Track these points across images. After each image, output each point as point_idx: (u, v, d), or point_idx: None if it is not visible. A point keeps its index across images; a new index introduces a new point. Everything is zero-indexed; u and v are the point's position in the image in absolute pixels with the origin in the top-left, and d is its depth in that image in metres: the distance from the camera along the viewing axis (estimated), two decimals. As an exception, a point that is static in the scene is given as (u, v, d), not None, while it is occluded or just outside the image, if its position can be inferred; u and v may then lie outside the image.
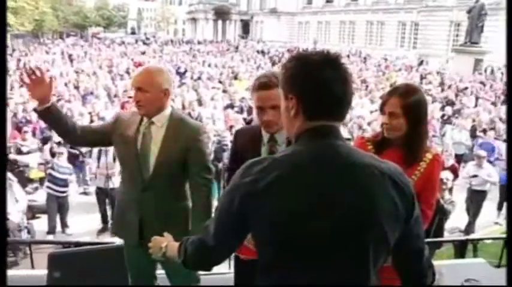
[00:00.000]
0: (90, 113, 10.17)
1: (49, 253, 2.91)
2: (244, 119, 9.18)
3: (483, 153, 7.87)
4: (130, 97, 11.01)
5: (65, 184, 7.28)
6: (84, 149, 8.63)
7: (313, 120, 1.29)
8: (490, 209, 8.06)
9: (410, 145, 2.12)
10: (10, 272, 3.60)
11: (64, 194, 7.29)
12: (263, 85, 2.14)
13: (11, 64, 19.65)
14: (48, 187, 7.26)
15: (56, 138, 8.89)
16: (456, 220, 7.27)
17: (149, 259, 2.28)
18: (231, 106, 10.75)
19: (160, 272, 2.76)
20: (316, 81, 1.27)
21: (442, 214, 5.02)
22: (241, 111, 10.64)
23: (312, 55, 1.32)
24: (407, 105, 2.07)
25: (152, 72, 2.36)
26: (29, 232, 6.59)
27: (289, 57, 1.40)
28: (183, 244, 1.54)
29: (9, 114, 9.37)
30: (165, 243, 1.69)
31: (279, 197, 1.23)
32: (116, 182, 7.19)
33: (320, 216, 1.22)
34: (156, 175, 2.38)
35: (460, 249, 4.91)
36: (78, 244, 4.20)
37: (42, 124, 9.20)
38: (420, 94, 2.16)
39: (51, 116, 2.33)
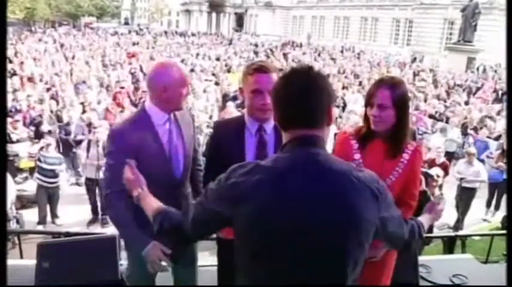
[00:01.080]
0: (82, 103, 10.09)
1: (38, 242, 2.89)
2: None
3: (473, 150, 7.94)
4: (122, 87, 10.96)
5: (53, 174, 7.20)
6: (74, 140, 8.60)
7: (291, 129, 1.39)
8: (478, 206, 8.14)
9: (397, 136, 2.13)
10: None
11: (53, 185, 7.23)
12: (262, 68, 2.09)
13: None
14: (38, 178, 7.21)
15: (45, 127, 8.87)
16: (445, 216, 7.34)
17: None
18: (228, 98, 10.69)
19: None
20: (286, 94, 1.36)
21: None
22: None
23: (288, 71, 1.44)
24: (397, 97, 2.07)
25: None
26: (17, 222, 6.55)
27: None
28: (160, 217, 1.56)
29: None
30: (136, 193, 1.74)
31: (259, 200, 1.28)
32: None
33: (298, 221, 1.26)
34: (185, 171, 2.35)
35: (449, 245, 4.97)
36: (68, 235, 4.17)
37: (33, 113, 9.12)
38: (405, 87, 2.18)
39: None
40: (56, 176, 7.25)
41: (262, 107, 2.10)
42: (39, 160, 7.25)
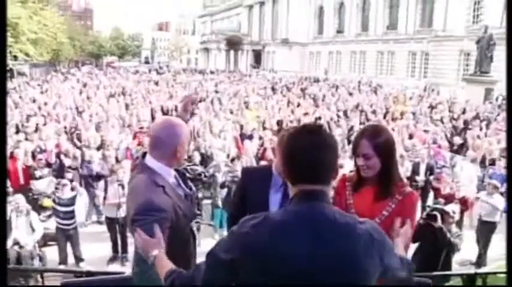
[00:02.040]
0: (101, 138, 10.34)
1: (62, 282, 3.01)
2: (256, 155, 9.25)
3: (497, 183, 7.83)
4: (141, 128, 11.24)
5: (68, 216, 7.16)
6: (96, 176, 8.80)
7: (299, 184, 1.47)
8: (502, 241, 7.97)
9: (383, 181, 2.21)
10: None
11: (70, 227, 7.18)
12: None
13: (30, 92, 20.20)
14: (56, 220, 7.24)
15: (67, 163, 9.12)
16: (467, 252, 7.22)
17: None
18: (245, 136, 10.84)
19: None
20: (296, 152, 1.46)
21: (449, 247, 5.01)
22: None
23: (298, 128, 1.55)
24: (379, 146, 2.16)
25: None
26: (40, 260, 6.68)
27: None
28: (171, 276, 1.60)
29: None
30: (156, 252, 1.75)
31: (266, 252, 1.36)
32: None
33: (305, 272, 1.34)
34: None
35: (469, 283, 4.88)
36: (89, 273, 4.28)
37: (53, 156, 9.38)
38: (387, 133, 2.26)
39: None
40: (71, 217, 7.19)
41: None
42: (54, 201, 7.24)
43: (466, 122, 14.35)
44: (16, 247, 6.39)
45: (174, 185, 2.21)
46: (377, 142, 2.16)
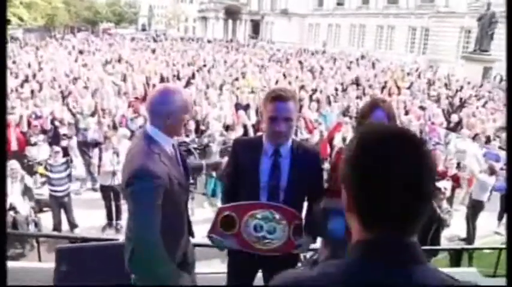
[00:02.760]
0: (95, 105, 10.28)
1: (56, 247, 3.05)
2: (253, 125, 9.23)
3: (493, 164, 7.91)
4: (136, 98, 11.18)
5: (61, 183, 7.16)
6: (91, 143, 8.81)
7: (370, 228, 0.96)
8: (491, 218, 8.12)
9: None
10: (17, 264, 3.75)
11: (63, 193, 7.20)
12: (279, 97, 2.25)
13: (24, 57, 19.92)
14: (49, 188, 7.26)
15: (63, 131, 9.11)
16: (457, 228, 7.35)
17: None
18: (240, 106, 10.81)
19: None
20: (382, 174, 0.91)
21: (439, 222, 5.10)
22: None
23: (378, 132, 0.99)
24: (390, 116, 2.30)
25: None
26: (36, 225, 6.75)
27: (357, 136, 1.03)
28: None
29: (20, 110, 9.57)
30: None
31: None
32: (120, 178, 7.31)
33: None
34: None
35: (456, 258, 4.99)
36: (84, 239, 4.34)
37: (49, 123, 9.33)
38: (393, 107, 2.42)
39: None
40: (63, 184, 7.21)
41: (278, 134, 2.27)
42: (46, 168, 7.24)
43: (462, 100, 14.36)
44: (12, 212, 6.43)
45: (171, 154, 2.21)
46: (391, 113, 2.25)
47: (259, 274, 2.56)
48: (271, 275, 2.44)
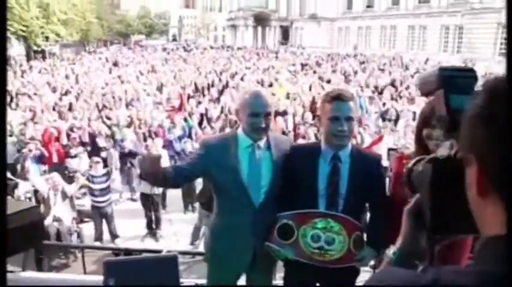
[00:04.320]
0: (129, 116, 10.40)
1: (104, 260, 3.01)
2: (283, 132, 9.09)
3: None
4: (173, 107, 11.25)
5: (102, 193, 7.21)
6: (129, 154, 8.88)
7: None
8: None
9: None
10: (64, 276, 3.75)
11: (104, 204, 7.23)
12: (339, 96, 2.19)
13: (61, 72, 20.52)
14: (91, 199, 7.31)
15: (101, 143, 9.23)
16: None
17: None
18: (277, 112, 10.70)
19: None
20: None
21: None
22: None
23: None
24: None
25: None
26: (78, 236, 6.82)
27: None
28: None
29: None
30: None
31: None
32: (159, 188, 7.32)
33: None
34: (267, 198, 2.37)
35: None
36: (127, 251, 4.31)
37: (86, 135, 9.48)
38: None
39: (158, 179, 2.29)
40: (105, 194, 7.25)
41: (339, 133, 2.18)
42: (88, 179, 7.28)
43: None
44: (56, 224, 6.53)
45: (246, 155, 2.38)
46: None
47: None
48: (328, 287, 2.32)
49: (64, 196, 6.78)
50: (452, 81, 0.96)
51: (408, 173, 1.07)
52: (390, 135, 8.81)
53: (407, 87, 15.31)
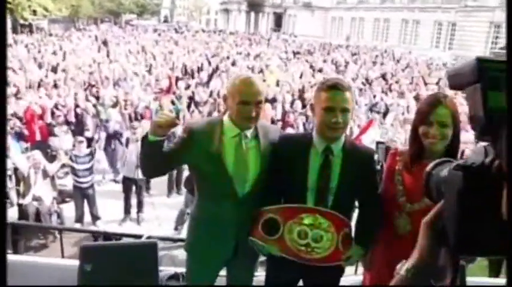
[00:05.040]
0: (115, 96, 10.20)
1: (81, 245, 2.90)
2: (272, 120, 9.00)
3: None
4: (161, 89, 11.07)
5: (85, 174, 7.02)
6: (113, 135, 8.73)
7: None
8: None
9: (453, 154, 2.06)
10: (42, 259, 3.64)
11: (87, 185, 7.05)
12: (335, 86, 2.07)
13: (49, 48, 20.08)
14: (73, 179, 7.12)
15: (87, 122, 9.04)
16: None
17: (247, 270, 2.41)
18: (266, 99, 10.59)
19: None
20: None
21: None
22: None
23: None
24: (456, 115, 2.05)
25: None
26: (58, 217, 6.69)
27: None
28: None
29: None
30: None
31: None
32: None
33: None
34: (253, 189, 2.25)
35: (496, 266, 4.69)
36: (106, 234, 4.21)
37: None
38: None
39: (156, 148, 2.12)
40: (87, 175, 7.07)
41: (333, 125, 2.06)
42: (71, 159, 7.10)
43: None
44: (35, 203, 6.38)
45: (233, 144, 2.27)
46: (455, 111, 2.03)
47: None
48: (313, 286, 2.25)
49: (45, 174, 6.61)
50: (492, 75, 0.79)
51: (427, 177, 0.94)
52: (380, 128, 8.78)
53: (397, 81, 15.28)
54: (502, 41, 26.30)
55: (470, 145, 8.04)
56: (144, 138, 2.09)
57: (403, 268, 0.92)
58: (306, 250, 2.09)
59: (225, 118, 2.23)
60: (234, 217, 2.21)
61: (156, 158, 2.13)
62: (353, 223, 2.29)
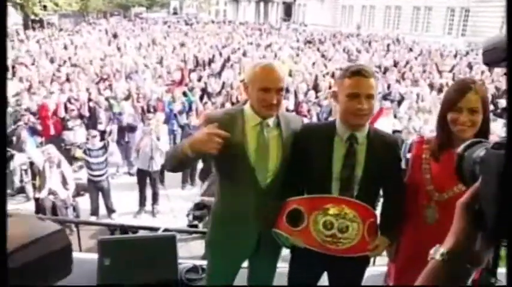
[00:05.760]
0: (128, 89, 10.20)
1: (99, 238, 2.88)
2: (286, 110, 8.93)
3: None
4: (173, 81, 11.03)
5: (99, 167, 7.07)
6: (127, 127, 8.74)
7: None
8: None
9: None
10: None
11: (101, 178, 7.09)
12: (360, 72, 2.00)
13: (60, 42, 20.14)
14: (87, 172, 7.18)
15: (101, 116, 9.05)
16: None
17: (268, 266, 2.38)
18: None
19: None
20: None
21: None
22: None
23: None
24: (486, 100, 1.99)
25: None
26: (74, 210, 6.72)
27: None
28: None
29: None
30: None
31: None
32: (158, 163, 7.19)
33: None
34: (274, 180, 2.20)
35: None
36: (123, 227, 4.20)
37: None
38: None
39: (192, 160, 2.09)
40: (101, 168, 7.11)
41: (358, 111, 1.99)
42: (84, 152, 7.14)
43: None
44: (51, 197, 6.41)
45: (254, 133, 2.22)
46: (485, 96, 1.97)
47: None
48: (338, 278, 2.20)
49: (59, 169, 6.64)
50: None
51: (459, 159, 0.89)
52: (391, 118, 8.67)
53: (411, 69, 15.06)
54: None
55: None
56: (181, 152, 2.00)
57: (437, 252, 0.85)
58: (332, 241, 2.03)
59: (246, 107, 2.17)
60: (257, 208, 2.16)
61: (188, 165, 2.11)
62: (377, 213, 2.23)
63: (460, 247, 0.84)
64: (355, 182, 2.08)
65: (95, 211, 7.14)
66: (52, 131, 8.71)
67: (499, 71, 16.73)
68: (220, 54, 16.95)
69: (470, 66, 18.28)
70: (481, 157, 0.81)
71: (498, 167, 0.73)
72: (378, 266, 3.36)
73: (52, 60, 14.84)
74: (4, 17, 2.13)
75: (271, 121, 2.16)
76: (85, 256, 3.26)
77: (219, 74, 13.40)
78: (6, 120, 3.25)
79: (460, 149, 0.90)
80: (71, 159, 8.40)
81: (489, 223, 0.77)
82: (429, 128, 8.07)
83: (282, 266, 2.45)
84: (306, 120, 7.96)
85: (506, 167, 0.72)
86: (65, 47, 17.59)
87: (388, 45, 25.51)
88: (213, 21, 42.36)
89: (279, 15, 59.12)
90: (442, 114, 2.02)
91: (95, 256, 2.81)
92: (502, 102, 11.01)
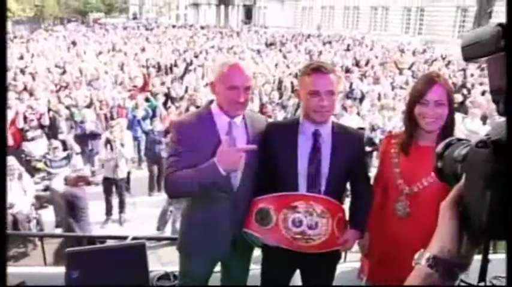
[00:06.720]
0: (87, 97, 9.99)
1: (67, 250, 2.80)
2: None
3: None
4: (135, 86, 10.86)
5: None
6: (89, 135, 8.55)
7: None
8: None
9: (449, 135, 1.97)
10: (23, 269, 3.51)
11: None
12: (319, 69, 2.02)
13: (15, 50, 19.46)
14: (50, 183, 6.96)
15: (62, 125, 8.81)
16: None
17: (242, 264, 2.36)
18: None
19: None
20: None
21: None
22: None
23: None
24: (451, 93, 2.04)
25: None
26: (38, 223, 6.50)
27: None
28: None
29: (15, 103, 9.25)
30: None
31: None
32: (124, 170, 7.06)
33: None
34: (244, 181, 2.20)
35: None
36: (91, 238, 4.11)
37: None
38: None
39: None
40: None
41: (320, 109, 2.01)
42: (45, 164, 6.97)
43: (464, 79, 14.14)
44: (11, 211, 6.18)
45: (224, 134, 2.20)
46: (450, 89, 2.03)
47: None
48: (311, 275, 2.22)
49: (21, 182, 6.41)
50: None
51: (438, 158, 0.86)
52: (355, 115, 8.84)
53: (372, 67, 15.41)
54: (469, 25, 26.80)
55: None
56: (208, 177, 1.99)
57: (423, 257, 0.81)
58: (302, 238, 2.05)
59: (213, 107, 2.17)
60: (229, 210, 2.16)
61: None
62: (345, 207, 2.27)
63: (446, 250, 0.80)
64: (322, 178, 2.10)
65: (60, 223, 6.93)
66: (11, 142, 8.40)
67: (455, 68, 17.35)
68: (184, 59, 16.85)
69: (427, 63, 18.91)
70: (463, 156, 0.79)
71: (484, 167, 0.71)
72: (350, 262, 3.41)
73: (7, 69, 14.35)
74: (4, 17, 2.07)
75: (238, 120, 2.16)
76: (51, 270, 3.16)
77: (182, 78, 13.31)
78: (6, 120, 3.12)
79: (439, 147, 0.88)
80: (32, 170, 8.12)
81: (475, 224, 0.74)
82: (392, 125, 8.28)
83: (256, 268, 2.46)
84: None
85: (499, 167, 0.69)
86: (21, 57, 17.02)
87: (349, 45, 26.01)
88: (173, 26, 42.06)
89: (239, 18, 59.25)
90: (410, 108, 2.08)
91: (61, 269, 2.73)
92: (458, 97, 11.42)
